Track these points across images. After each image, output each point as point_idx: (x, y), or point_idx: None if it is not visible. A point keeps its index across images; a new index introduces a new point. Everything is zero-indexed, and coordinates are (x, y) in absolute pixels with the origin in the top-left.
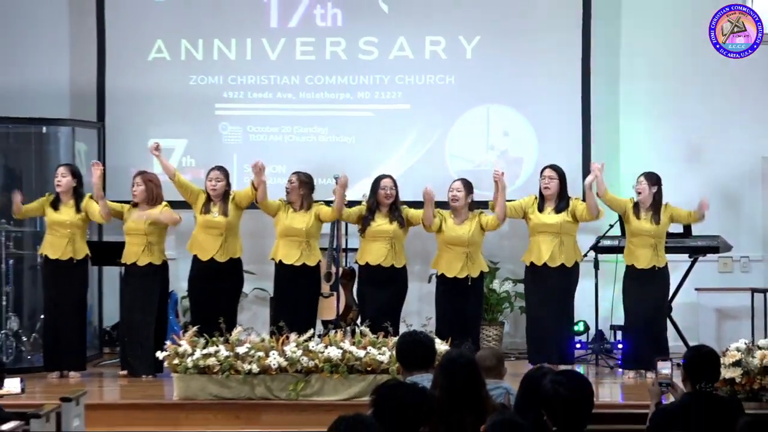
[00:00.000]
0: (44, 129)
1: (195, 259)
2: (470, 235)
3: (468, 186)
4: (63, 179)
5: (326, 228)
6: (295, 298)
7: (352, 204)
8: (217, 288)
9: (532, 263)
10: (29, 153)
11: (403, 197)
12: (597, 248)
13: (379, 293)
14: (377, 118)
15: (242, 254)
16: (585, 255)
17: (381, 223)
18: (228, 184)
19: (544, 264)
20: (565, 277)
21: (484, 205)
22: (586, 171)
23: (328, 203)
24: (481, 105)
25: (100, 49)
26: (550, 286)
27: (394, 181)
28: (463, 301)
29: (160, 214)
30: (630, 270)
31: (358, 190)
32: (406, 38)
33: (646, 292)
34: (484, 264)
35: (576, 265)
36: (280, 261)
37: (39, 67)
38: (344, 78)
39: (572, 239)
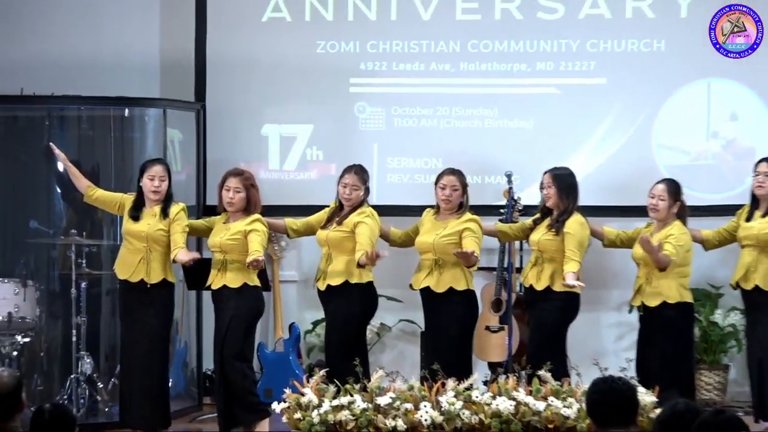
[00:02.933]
0: (127, 111)
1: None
2: (642, 251)
3: (674, 190)
4: (162, 184)
5: (494, 242)
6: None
7: (529, 209)
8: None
9: (738, 284)
10: (107, 142)
11: (592, 201)
12: None
13: (531, 322)
14: (562, 97)
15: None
16: None
17: (537, 229)
18: (367, 191)
19: (756, 286)
20: (765, 303)
21: (700, 211)
22: None
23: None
24: (700, 79)
25: (199, 8)
26: (753, 315)
27: (554, 177)
28: (644, 337)
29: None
30: None
31: (537, 191)
32: None
33: None
34: (681, 292)
35: None
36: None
37: (121, 31)
38: (519, 44)
39: None
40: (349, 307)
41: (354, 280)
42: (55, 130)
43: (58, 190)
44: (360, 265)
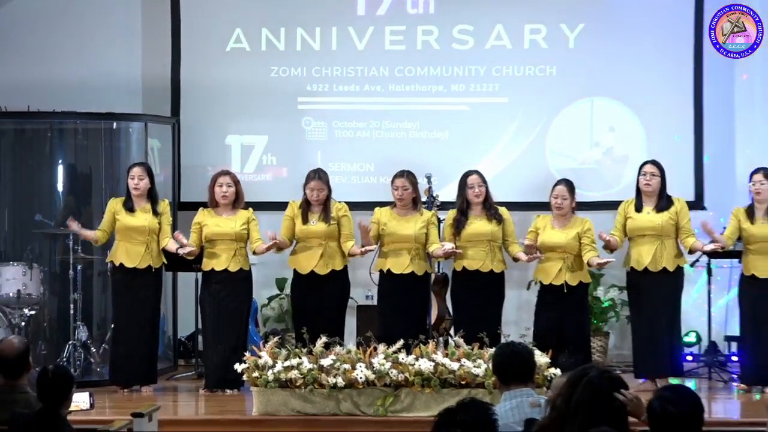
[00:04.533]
0: (115, 124)
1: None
2: (568, 241)
3: (572, 189)
4: (141, 182)
5: None
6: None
7: (446, 205)
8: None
9: (632, 268)
10: (99, 150)
11: (499, 198)
12: (710, 252)
13: (475, 301)
14: (472, 113)
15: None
16: (697, 260)
17: (477, 224)
18: (330, 190)
19: (645, 269)
20: (669, 283)
21: (585, 206)
22: (698, 170)
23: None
24: (584, 98)
25: (174, 39)
26: (654, 293)
27: (482, 177)
28: (560, 310)
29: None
30: (749, 278)
31: (452, 190)
32: (503, 26)
33: (766, 301)
34: (586, 273)
35: (680, 269)
36: (388, 270)
37: (110, 58)
38: (437, 69)
39: (674, 242)
40: (346, 284)
41: (346, 263)
42: (56, 140)
43: (59, 190)
44: (350, 254)
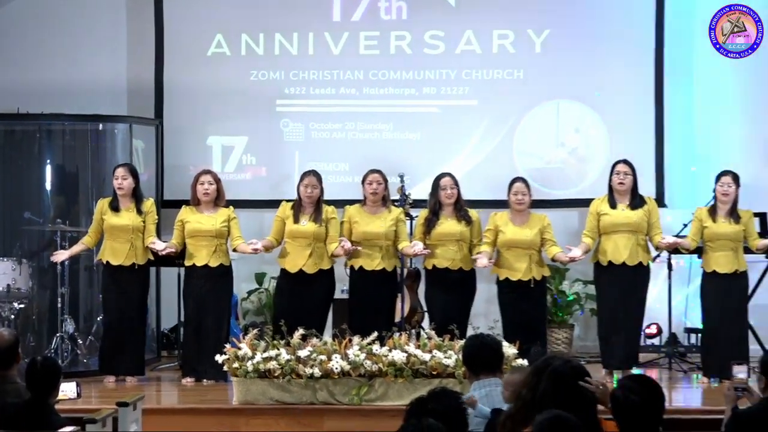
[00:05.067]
0: (101, 126)
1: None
2: (533, 237)
3: (528, 185)
4: (124, 181)
5: None
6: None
7: (418, 203)
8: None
9: (609, 262)
10: (85, 151)
11: (469, 196)
12: (671, 249)
13: (447, 297)
14: (443, 114)
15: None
16: (658, 255)
17: (448, 224)
18: (322, 191)
19: (622, 263)
20: (641, 276)
21: (551, 204)
22: (659, 169)
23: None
24: (550, 100)
25: (158, 44)
26: (627, 287)
27: (455, 179)
28: (528, 303)
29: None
30: (710, 274)
31: (424, 189)
32: (473, 32)
33: (727, 296)
34: (547, 267)
35: (649, 264)
36: (360, 267)
37: (96, 62)
38: (409, 73)
39: (645, 237)
40: (332, 284)
41: (333, 264)
42: (44, 141)
43: (47, 189)
44: (334, 256)
